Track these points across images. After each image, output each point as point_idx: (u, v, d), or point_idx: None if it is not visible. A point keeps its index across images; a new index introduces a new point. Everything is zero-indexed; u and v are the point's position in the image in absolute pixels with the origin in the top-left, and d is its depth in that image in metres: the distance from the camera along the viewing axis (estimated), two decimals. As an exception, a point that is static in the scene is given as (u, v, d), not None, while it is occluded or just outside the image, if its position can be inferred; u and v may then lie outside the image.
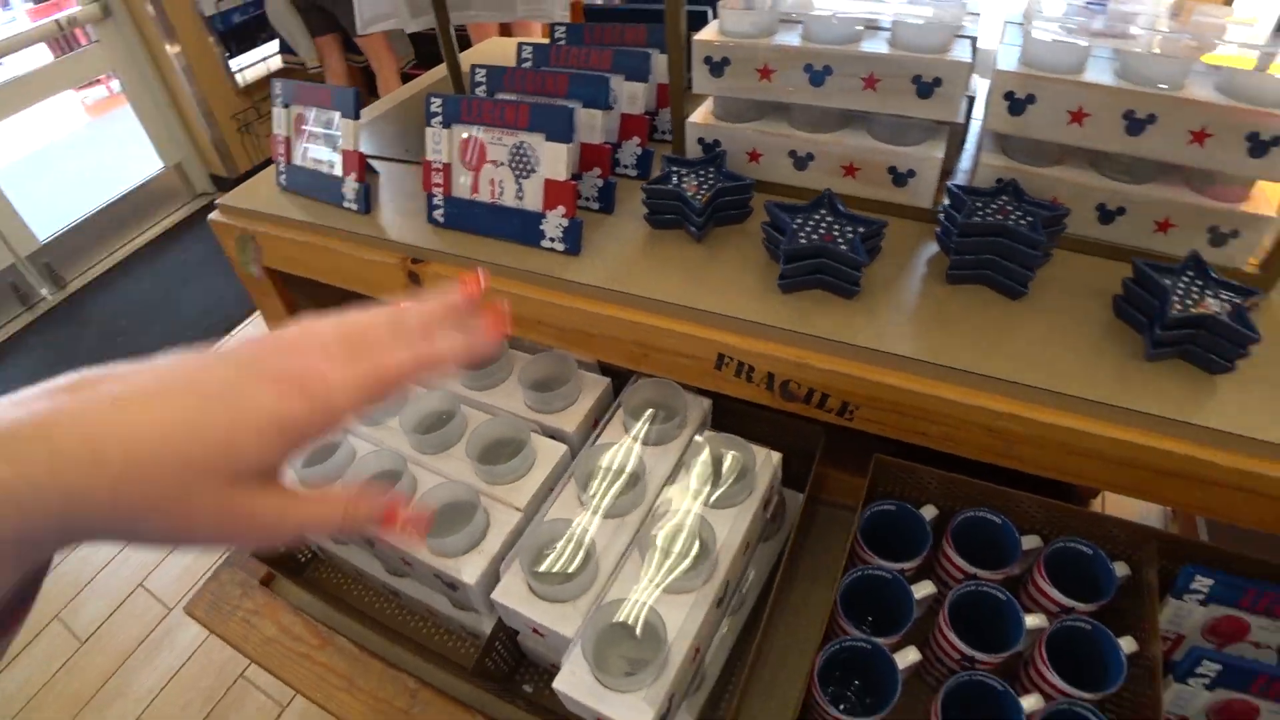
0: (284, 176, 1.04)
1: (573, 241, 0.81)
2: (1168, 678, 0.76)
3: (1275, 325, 0.80)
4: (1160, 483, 0.71)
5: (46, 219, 2.91)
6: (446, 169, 0.88)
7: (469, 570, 0.74)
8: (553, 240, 0.82)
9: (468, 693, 0.84)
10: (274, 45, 3.33)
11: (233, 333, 2.56)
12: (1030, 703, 0.68)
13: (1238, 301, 0.72)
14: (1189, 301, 0.71)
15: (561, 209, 0.81)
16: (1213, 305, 0.71)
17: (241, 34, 3.19)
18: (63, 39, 3.02)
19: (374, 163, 1.07)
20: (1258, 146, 0.72)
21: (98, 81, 4.15)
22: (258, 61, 3.31)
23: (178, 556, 1.90)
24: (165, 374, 0.27)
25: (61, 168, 3.85)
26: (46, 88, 2.89)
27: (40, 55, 3.02)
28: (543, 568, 0.72)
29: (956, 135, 0.88)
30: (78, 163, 3.88)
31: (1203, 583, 0.74)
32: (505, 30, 2.46)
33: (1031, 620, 0.72)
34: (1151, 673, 0.70)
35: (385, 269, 0.92)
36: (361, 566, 0.90)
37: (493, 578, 0.74)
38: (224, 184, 3.22)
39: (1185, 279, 0.74)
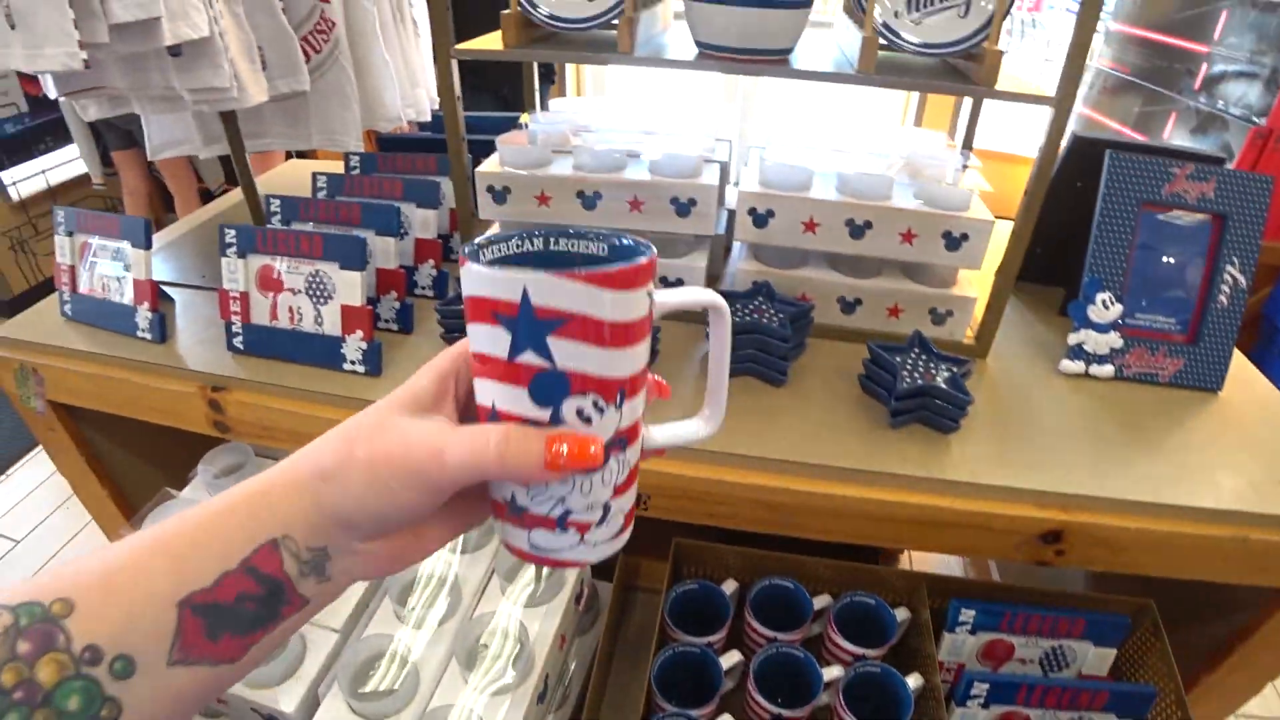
0: (69, 306, 1.00)
1: (373, 363, 0.84)
2: (950, 705, 0.86)
3: (991, 385, 0.95)
4: (915, 531, 0.81)
5: None
6: (244, 297, 0.89)
7: (286, 699, 0.72)
8: (354, 363, 0.85)
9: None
10: (53, 158, 3.07)
11: (8, 473, 2.25)
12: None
13: (955, 370, 0.86)
14: (916, 374, 0.84)
15: (360, 333, 0.84)
16: (935, 375, 0.85)
17: (15, 146, 2.94)
18: None
19: (169, 289, 1.05)
20: (952, 242, 0.88)
21: None
22: (34, 175, 3.05)
23: None
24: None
25: None
26: None
27: None
28: (367, 688, 0.72)
29: (720, 245, 1.00)
30: None
31: (967, 614, 0.86)
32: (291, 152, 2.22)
33: (829, 673, 0.80)
34: (936, 701, 0.79)
35: (185, 398, 0.90)
36: None
37: (312, 704, 0.73)
38: (-1, 307, 2.93)
39: (912, 355, 0.87)
